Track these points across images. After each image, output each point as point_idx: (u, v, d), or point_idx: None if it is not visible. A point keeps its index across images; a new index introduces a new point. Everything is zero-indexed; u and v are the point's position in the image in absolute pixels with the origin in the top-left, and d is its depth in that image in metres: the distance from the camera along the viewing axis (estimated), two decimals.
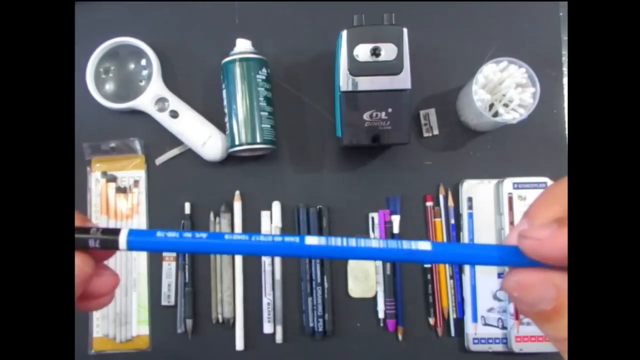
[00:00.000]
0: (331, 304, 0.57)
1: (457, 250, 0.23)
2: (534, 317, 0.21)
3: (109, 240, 0.24)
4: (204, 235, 0.24)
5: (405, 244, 0.23)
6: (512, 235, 0.22)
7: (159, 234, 0.24)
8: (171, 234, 0.24)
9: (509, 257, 0.22)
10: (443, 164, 0.59)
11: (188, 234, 0.24)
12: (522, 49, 0.57)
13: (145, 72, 0.59)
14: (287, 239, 0.24)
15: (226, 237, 0.24)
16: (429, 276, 0.57)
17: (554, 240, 0.20)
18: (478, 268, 0.56)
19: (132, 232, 0.24)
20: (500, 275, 0.56)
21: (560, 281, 0.20)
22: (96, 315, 0.58)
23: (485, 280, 0.56)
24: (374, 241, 0.23)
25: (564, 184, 0.22)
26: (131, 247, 0.24)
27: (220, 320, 0.57)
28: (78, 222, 0.24)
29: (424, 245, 0.23)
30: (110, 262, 0.54)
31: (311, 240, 0.24)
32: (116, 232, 0.24)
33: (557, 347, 0.21)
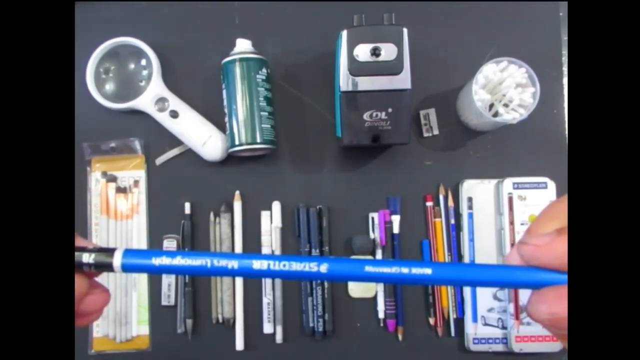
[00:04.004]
0: (331, 304, 0.57)
1: (459, 272, 0.23)
2: (561, 338, 0.21)
3: (103, 263, 0.24)
4: (199, 261, 0.23)
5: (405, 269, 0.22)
6: (513, 254, 0.22)
7: (154, 259, 0.23)
8: (166, 259, 0.23)
9: (517, 279, 0.22)
10: (443, 164, 0.59)
11: (181, 259, 0.23)
12: (522, 49, 0.57)
13: (145, 72, 0.59)
14: (279, 265, 0.23)
15: (221, 263, 0.23)
16: None
17: (552, 246, 0.20)
18: None
19: (126, 254, 0.24)
20: None
21: None
22: None
23: None
24: (386, 268, 0.23)
25: (563, 202, 0.22)
26: (125, 269, 0.24)
27: (220, 320, 0.57)
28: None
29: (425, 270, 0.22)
30: None
31: (296, 265, 0.23)
32: (109, 252, 0.24)
33: None
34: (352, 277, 0.23)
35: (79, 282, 0.24)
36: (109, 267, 0.24)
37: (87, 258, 0.24)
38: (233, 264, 0.23)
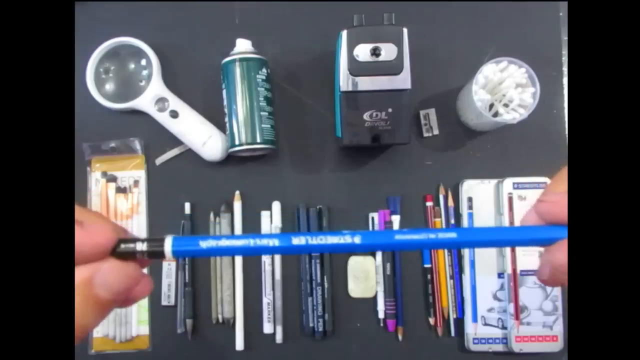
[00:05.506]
0: (331, 304, 0.57)
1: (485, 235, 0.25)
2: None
3: (155, 251, 0.25)
4: (242, 242, 0.25)
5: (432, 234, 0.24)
6: (530, 212, 0.25)
7: (202, 242, 0.25)
8: (212, 242, 0.25)
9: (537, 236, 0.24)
10: (443, 164, 0.59)
11: (225, 241, 0.25)
12: (522, 49, 0.57)
13: (145, 72, 0.59)
14: (314, 239, 0.24)
15: (263, 242, 0.25)
16: (429, 276, 0.57)
17: (564, 203, 0.23)
18: (478, 269, 0.56)
19: (175, 242, 0.25)
20: (500, 275, 0.56)
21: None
22: None
23: (485, 280, 0.56)
24: (415, 235, 0.24)
25: None
26: (176, 255, 0.25)
27: (220, 320, 0.57)
28: (120, 233, 0.25)
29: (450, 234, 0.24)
30: None
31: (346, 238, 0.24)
32: (160, 241, 0.25)
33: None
34: (383, 246, 0.25)
35: (134, 268, 0.25)
36: (160, 254, 0.25)
37: (140, 246, 0.25)
38: (274, 241, 0.25)
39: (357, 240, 0.24)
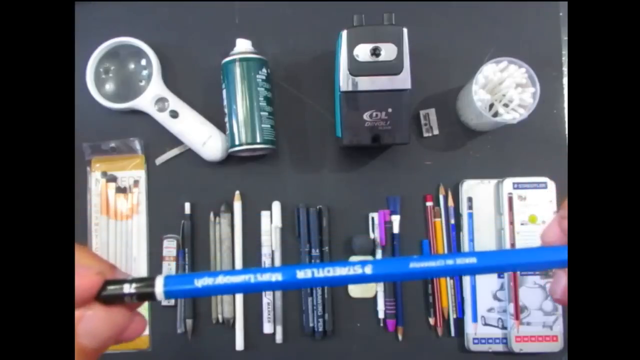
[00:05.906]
0: (331, 304, 0.57)
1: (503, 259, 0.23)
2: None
3: (145, 293, 0.23)
4: (241, 277, 0.23)
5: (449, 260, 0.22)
6: (553, 227, 0.24)
7: (197, 281, 0.23)
8: (208, 279, 0.23)
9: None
10: (443, 164, 0.59)
11: (223, 277, 0.23)
12: (522, 49, 0.57)
13: (145, 72, 0.59)
14: (316, 272, 0.23)
15: (264, 277, 0.23)
16: None
17: None
18: None
19: (167, 282, 0.23)
20: (500, 275, 0.56)
21: None
22: None
23: (485, 280, 0.56)
24: (431, 262, 0.22)
25: None
26: (168, 296, 0.23)
27: (220, 320, 0.57)
28: (108, 272, 0.24)
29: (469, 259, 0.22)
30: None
31: (363, 268, 0.23)
32: (150, 281, 0.23)
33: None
34: (397, 276, 0.23)
35: (122, 314, 0.24)
36: (150, 296, 0.23)
37: (128, 288, 0.23)
38: (277, 276, 0.23)
39: (368, 270, 0.22)
